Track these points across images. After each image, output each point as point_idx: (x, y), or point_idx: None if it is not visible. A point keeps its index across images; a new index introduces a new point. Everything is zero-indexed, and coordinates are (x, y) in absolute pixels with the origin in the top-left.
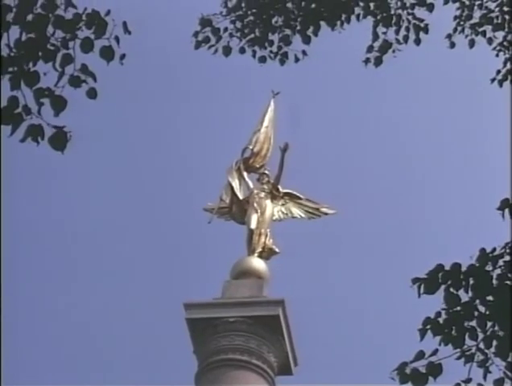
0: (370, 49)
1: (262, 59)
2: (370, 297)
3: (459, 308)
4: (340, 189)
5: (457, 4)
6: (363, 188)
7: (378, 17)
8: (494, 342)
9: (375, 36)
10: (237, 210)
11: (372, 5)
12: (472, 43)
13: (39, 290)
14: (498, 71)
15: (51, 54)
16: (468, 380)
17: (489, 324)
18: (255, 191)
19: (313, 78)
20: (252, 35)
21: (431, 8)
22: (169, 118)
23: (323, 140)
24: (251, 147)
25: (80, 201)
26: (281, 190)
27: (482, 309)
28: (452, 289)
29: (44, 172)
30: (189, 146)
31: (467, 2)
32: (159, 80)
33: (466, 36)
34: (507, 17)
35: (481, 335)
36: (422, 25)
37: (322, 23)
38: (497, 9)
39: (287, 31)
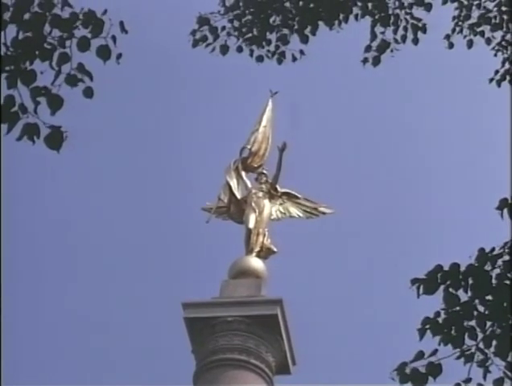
0: (368, 49)
1: (260, 59)
2: (369, 297)
3: (458, 308)
4: (338, 188)
5: (455, 4)
6: (361, 188)
7: (376, 16)
8: (494, 342)
9: (373, 36)
10: (235, 209)
11: (370, 4)
12: (470, 43)
13: (38, 289)
14: (496, 71)
15: (47, 53)
16: (468, 380)
17: (489, 324)
18: (253, 191)
19: (311, 78)
20: (250, 34)
21: (429, 8)
22: (166, 118)
23: (321, 139)
24: (249, 147)
25: (77, 201)
26: (279, 189)
27: (481, 308)
28: (451, 289)
29: (40, 171)
30: (187, 146)
31: (465, 2)
32: (157, 79)
33: (464, 36)
34: (505, 17)
35: (480, 335)
36: (420, 25)
37: (320, 23)
38: (495, 9)
39: (285, 31)
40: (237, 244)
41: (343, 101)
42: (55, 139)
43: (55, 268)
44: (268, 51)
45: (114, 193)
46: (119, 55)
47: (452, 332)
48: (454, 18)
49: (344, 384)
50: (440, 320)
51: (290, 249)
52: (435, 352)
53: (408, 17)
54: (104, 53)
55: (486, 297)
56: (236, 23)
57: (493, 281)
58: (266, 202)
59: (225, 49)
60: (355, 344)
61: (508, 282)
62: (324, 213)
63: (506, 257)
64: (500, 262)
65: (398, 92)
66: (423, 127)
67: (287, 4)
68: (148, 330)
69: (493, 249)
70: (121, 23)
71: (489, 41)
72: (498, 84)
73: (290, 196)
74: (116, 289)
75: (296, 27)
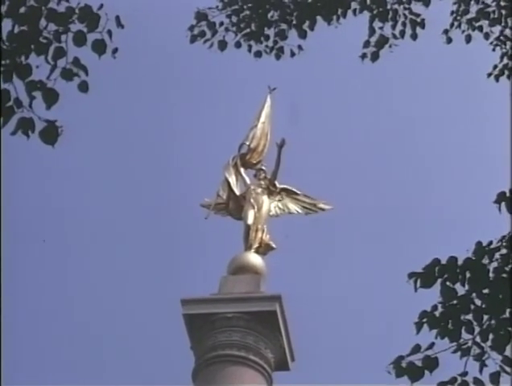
0: (367, 44)
1: (258, 54)
2: (367, 292)
3: (455, 301)
4: (337, 184)
5: None
6: (359, 183)
7: (375, 12)
8: (491, 336)
9: (372, 31)
10: (234, 206)
11: None
12: (468, 38)
13: (36, 287)
14: (495, 66)
15: (43, 47)
16: (465, 374)
17: (486, 317)
18: (252, 187)
19: (310, 73)
20: (248, 30)
21: (427, 3)
22: (164, 113)
23: (319, 135)
24: (248, 143)
25: (74, 197)
26: (278, 185)
27: (479, 302)
28: (448, 283)
29: (35, 166)
30: (185, 142)
31: None
32: (154, 74)
33: (463, 31)
34: (504, 11)
35: (477, 329)
36: (418, 20)
37: (318, 18)
38: (493, 3)
39: (283, 26)
40: (235, 241)
41: (341, 97)
42: (50, 134)
43: (53, 265)
44: (266, 46)
45: (112, 189)
46: (115, 50)
47: (449, 326)
48: (452, 12)
49: (342, 384)
50: (437, 314)
51: (289, 245)
52: (431, 346)
53: (407, 12)
54: (99, 48)
55: (483, 290)
56: (234, 19)
57: (491, 275)
58: (265, 198)
59: (223, 45)
60: (353, 340)
61: (505, 276)
62: (322, 209)
63: (504, 251)
64: (497, 256)
65: (396, 88)
66: (422, 122)
67: None
68: (147, 326)
69: (491, 243)
70: (117, 18)
71: (487, 36)
72: (497, 78)
73: (289, 192)
74: (115, 286)
75: (294, 22)
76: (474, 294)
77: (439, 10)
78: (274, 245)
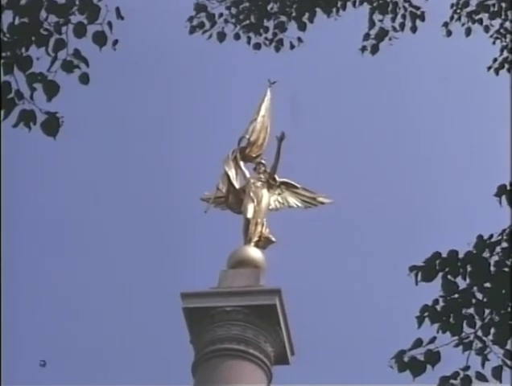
0: (367, 37)
1: (257, 46)
2: (367, 286)
3: (456, 295)
4: (337, 178)
5: None
6: (359, 177)
7: (374, 4)
8: (492, 330)
9: (371, 24)
10: (234, 199)
11: None
12: (468, 31)
13: (34, 283)
14: (495, 59)
15: (44, 39)
16: (467, 368)
17: (487, 311)
18: (252, 181)
19: (309, 66)
20: (247, 21)
21: None
22: (164, 106)
23: (319, 129)
24: (247, 137)
25: (73, 190)
26: (277, 179)
27: (480, 296)
28: (449, 277)
29: (35, 158)
30: (185, 135)
31: None
32: (153, 67)
33: (463, 24)
34: (504, 4)
35: (479, 323)
36: (418, 12)
37: (318, 10)
38: None
39: (283, 18)
40: (235, 234)
41: (341, 90)
42: (52, 125)
43: (52, 262)
44: (265, 38)
45: (111, 183)
46: (115, 42)
47: (451, 320)
48: (452, 5)
49: (340, 384)
50: (439, 308)
51: (288, 239)
52: (433, 340)
53: (406, 4)
54: (100, 39)
55: (485, 284)
56: (233, 10)
57: (492, 269)
58: (265, 192)
59: (222, 36)
60: (353, 334)
61: (506, 269)
62: (322, 203)
63: (505, 244)
64: (498, 249)
65: (396, 80)
66: (421, 115)
67: None
68: (147, 320)
69: (492, 236)
70: (117, 9)
71: (487, 29)
72: (496, 72)
73: (288, 186)
74: (114, 280)
75: (294, 14)
76: (475, 288)
77: (438, 3)
78: (273, 239)
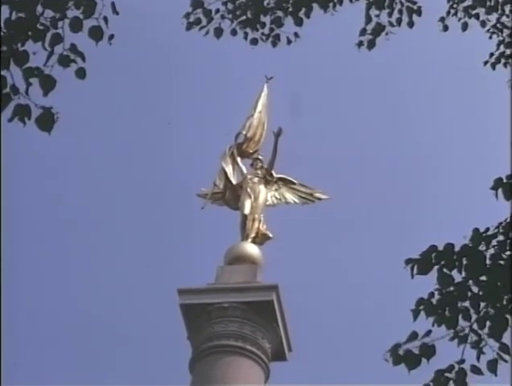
0: (363, 32)
1: (254, 41)
2: (364, 282)
3: (452, 288)
4: (334, 174)
5: None
6: (356, 173)
7: None
8: (488, 323)
9: (368, 19)
10: (231, 195)
11: None
12: (465, 26)
13: (34, 282)
14: (491, 54)
15: (40, 33)
16: (462, 362)
17: (483, 305)
18: (249, 177)
19: (306, 61)
20: (244, 17)
21: None
22: (160, 102)
23: (316, 124)
24: (244, 132)
25: (69, 186)
26: (274, 175)
27: (476, 289)
28: (445, 270)
29: (29, 153)
30: (182, 131)
31: None
32: (150, 62)
33: (459, 19)
34: None
35: (474, 316)
36: (415, 7)
37: (314, 5)
38: None
39: (279, 13)
40: (232, 230)
41: (338, 85)
42: (47, 120)
43: (51, 260)
44: (262, 33)
45: (108, 178)
46: (111, 36)
47: (446, 313)
48: (449, 0)
49: (339, 385)
50: (434, 301)
51: (285, 235)
52: (428, 333)
53: None
54: (96, 34)
55: (480, 277)
56: (230, 6)
57: (488, 262)
58: (262, 187)
59: (218, 32)
60: (350, 329)
61: (502, 263)
62: (319, 199)
63: (501, 237)
64: (494, 242)
65: (392, 75)
66: (418, 110)
67: None
68: (144, 316)
69: (488, 229)
70: (113, 4)
71: (483, 23)
72: (493, 66)
73: (285, 182)
74: (112, 276)
75: (290, 10)
76: (471, 281)
77: None
78: (270, 235)
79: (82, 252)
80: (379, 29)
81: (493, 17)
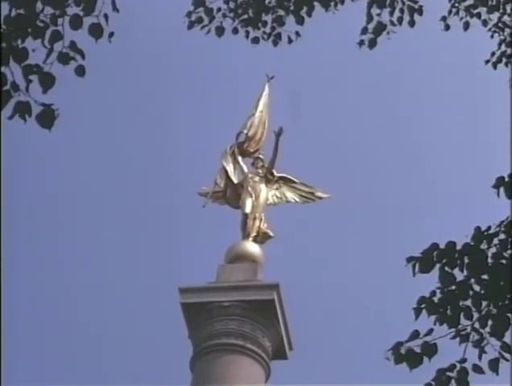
0: (364, 31)
1: (255, 40)
2: (365, 279)
3: (454, 287)
4: (335, 173)
5: None
6: (357, 171)
7: None
8: (489, 322)
9: (369, 18)
10: (232, 194)
11: None
12: (466, 25)
13: (34, 283)
14: (493, 53)
15: (40, 30)
16: (463, 360)
17: (484, 303)
18: (250, 175)
19: (307, 60)
20: (245, 16)
21: None
22: (161, 101)
23: (317, 123)
24: (245, 132)
25: (69, 183)
26: (275, 174)
27: (477, 288)
28: (446, 268)
29: (29, 150)
30: (183, 130)
31: None
32: (150, 61)
33: (461, 18)
34: None
35: (476, 315)
36: (416, 6)
37: (316, 4)
38: None
39: (281, 12)
40: (233, 229)
41: (339, 84)
42: (47, 117)
43: (49, 258)
44: (264, 32)
45: (108, 176)
46: (111, 34)
47: (448, 312)
48: None
49: (338, 385)
50: (436, 299)
51: (286, 234)
52: (430, 332)
53: None
54: (96, 31)
55: (482, 276)
56: (231, 4)
57: (489, 260)
58: (263, 186)
59: (220, 31)
60: (351, 327)
61: (504, 261)
62: (320, 198)
63: (502, 236)
64: (496, 241)
65: (394, 75)
66: (420, 108)
67: None
68: (145, 315)
69: (489, 228)
70: (113, 2)
71: (485, 23)
72: (494, 66)
73: (286, 181)
74: (112, 275)
75: (292, 8)
76: (473, 280)
77: None
78: (271, 234)
79: (82, 251)
80: (380, 28)
81: (495, 16)
